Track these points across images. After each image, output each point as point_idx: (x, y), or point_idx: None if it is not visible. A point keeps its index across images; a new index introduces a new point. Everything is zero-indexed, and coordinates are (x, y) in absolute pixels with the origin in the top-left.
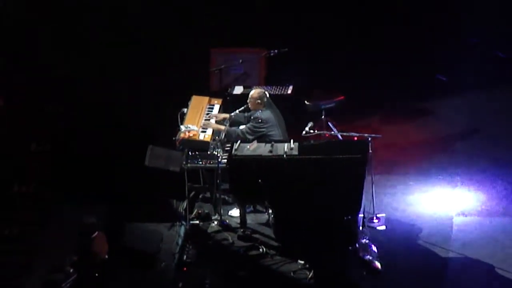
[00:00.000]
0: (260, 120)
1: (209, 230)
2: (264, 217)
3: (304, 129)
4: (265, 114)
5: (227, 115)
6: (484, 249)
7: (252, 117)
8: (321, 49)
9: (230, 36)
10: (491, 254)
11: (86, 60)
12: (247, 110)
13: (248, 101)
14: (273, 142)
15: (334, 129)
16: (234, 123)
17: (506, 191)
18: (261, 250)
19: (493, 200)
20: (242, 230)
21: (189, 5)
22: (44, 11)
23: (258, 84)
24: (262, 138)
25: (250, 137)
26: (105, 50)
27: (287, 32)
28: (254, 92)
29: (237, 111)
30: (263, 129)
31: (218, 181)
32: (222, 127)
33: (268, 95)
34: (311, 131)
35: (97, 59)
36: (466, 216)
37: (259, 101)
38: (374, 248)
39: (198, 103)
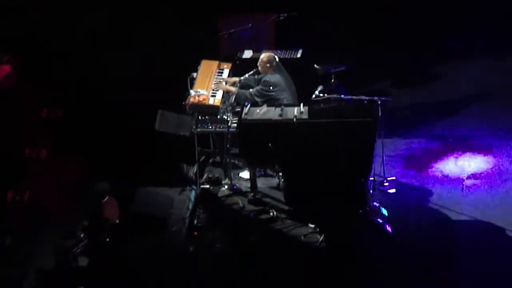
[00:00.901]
0: (269, 84)
1: (219, 194)
2: (274, 181)
3: (314, 92)
4: (274, 77)
5: (237, 79)
6: (495, 211)
7: (262, 81)
8: (331, 13)
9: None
10: (503, 216)
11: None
12: (257, 73)
13: (258, 64)
14: (282, 106)
15: (344, 93)
16: (245, 86)
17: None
18: (271, 214)
19: (505, 164)
20: (252, 194)
21: None
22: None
23: (268, 48)
24: (272, 101)
25: (258, 99)
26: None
27: None
28: (263, 56)
29: (247, 74)
30: (272, 93)
31: (228, 145)
32: (233, 89)
33: (277, 59)
34: (321, 94)
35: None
36: (477, 179)
37: (268, 64)
38: (385, 211)
39: (207, 67)
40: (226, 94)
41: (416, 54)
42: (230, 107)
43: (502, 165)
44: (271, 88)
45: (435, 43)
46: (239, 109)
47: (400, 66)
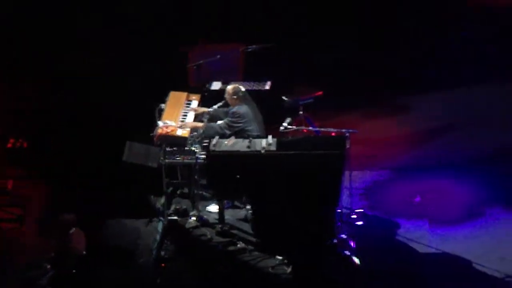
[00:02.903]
0: (237, 115)
1: (187, 226)
2: (242, 212)
3: (282, 124)
4: (242, 109)
5: (206, 109)
6: (462, 244)
7: (230, 112)
8: (300, 45)
9: (209, 32)
10: (469, 250)
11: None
12: (226, 105)
13: (225, 96)
14: (250, 138)
15: (312, 125)
16: (214, 118)
17: (478, 188)
18: (239, 245)
19: (470, 195)
20: (220, 225)
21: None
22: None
23: (237, 80)
24: (240, 133)
25: (227, 131)
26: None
27: (265, 27)
28: (229, 88)
29: (215, 106)
30: (240, 124)
31: (196, 176)
32: (200, 125)
33: (244, 90)
34: (289, 126)
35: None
36: (443, 211)
37: (234, 96)
38: (353, 244)
39: (176, 98)
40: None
41: (383, 86)
42: (199, 139)
43: (467, 197)
44: (239, 119)
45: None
46: (207, 142)
47: (368, 98)
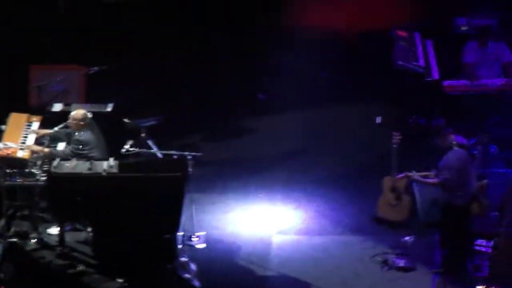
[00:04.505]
0: (81, 142)
1: (27, 248)
2: (83, 235)
3: (124, 147)
4: (86, 135)
5: (48, 131)
6: (302, 267)
7: (73, 139)
8: (142, 68)
9: (50, 53)
10: (309, 272)
11: None
12: (67, 127)
13: (69, 121)
14: (92, 160)
15: (154, 147)
16: (55, 140)
17: (325, 210)
18: (79, 268)
19: (312, 219)
20: (60, 248)
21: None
22: None
23: (78, 102)
24: (83, 159)
25: (72, 159)
26: None
27: (108, 50)
28: (76, 114)
29: (56, 128)
30: (84, 151)
31: (36, 198)
32: (45, 150)
33: (89, 116)
34: (131, 149)
35: None
36: (285, 234)
37: (82, 122)
38: (193, 266)
39: (16, 120)
40: None
41: (228, 109)
42: (40, 161)
43: (310, 220)
44: (83, 147)
45: (245, 98)
46: (48, 164)
47: (213, 120)
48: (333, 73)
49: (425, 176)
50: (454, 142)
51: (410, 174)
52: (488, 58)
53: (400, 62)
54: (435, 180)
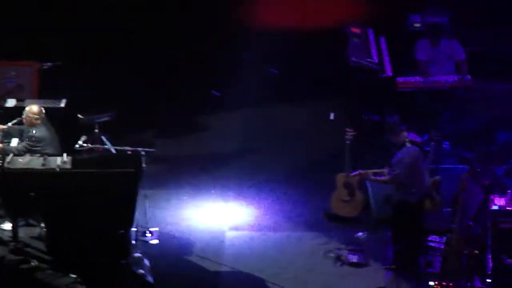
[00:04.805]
0: (35, 139)
1: None
2: (37, 230)
3: (77, 142)
4: (40, 132)
5: (1, 127)
6: (255, 263)
7: (27, 135)
8: (96, 63)
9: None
10: (262, 268)
11: None
12: (21, 123)
13: (24, 117)
14: (45, 156)
15: (108, 143)
16: (8, 135)
17: (278, 206)
18: (33, 264)
19: (265, 215)
20: (13, 243)
21: None
22: None
23: (32, 97)
24: (36, 155)
25: (25, 154)
26: None
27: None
28: (31, 109)
29: (10, 123)
30: (38, 147)
31: None
32: None
33: (44, 112)
34: (85, 144)
35: None
36: (238, 230)
37: (37, 117)
38: (147, 262)
39: None
40: None
41: (184, 105)
42: None
43: (263, 216)
44: (37, 143)
45: (200, 93)
46: (1, 159)
47: (166, 117)
48: (281, 70)
49: (378, 174)
50: (407, 139)
51: (363, 172)
52: (441, 56)
53: (353, 59)
54: (387, 178)
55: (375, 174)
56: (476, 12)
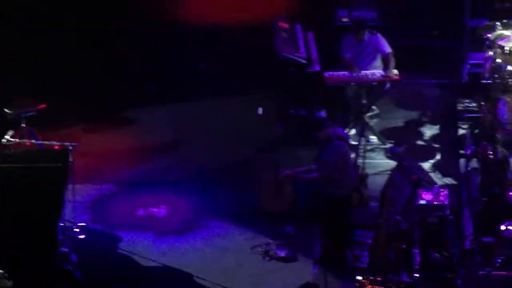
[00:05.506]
0: None
1: None
2: None
3: (4, 137)
4: None
5: None
6: (183, 258)
7: None
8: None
9: None
10: (190, 262)
11: None
12: None
13: None
14: None
15: (35, 138)
16: None
17: (205, 201)
18: None
19: (192, 210)
20: None
21: None
22: None
23: None
24: None
25: None
26: None
27: None
28: None
29: None
30: None
31: None
32: None
33: None
34: (11, 139)
35: None
36: (167, 224)
37: None
38: (74, 257)
39: None
40: None
41: (112, 99)
42: None
43: (190, 210)
44: None
45: (130, 87)
46: None
47: (95, 111)
48: (209, 65)
49: (305, 172)
50: (334, 135)
51: (290, 173)
52: (367, 51)
53: (282, 53)
54: (317, 176)
55: (302, 172)
56: (406, 5)
